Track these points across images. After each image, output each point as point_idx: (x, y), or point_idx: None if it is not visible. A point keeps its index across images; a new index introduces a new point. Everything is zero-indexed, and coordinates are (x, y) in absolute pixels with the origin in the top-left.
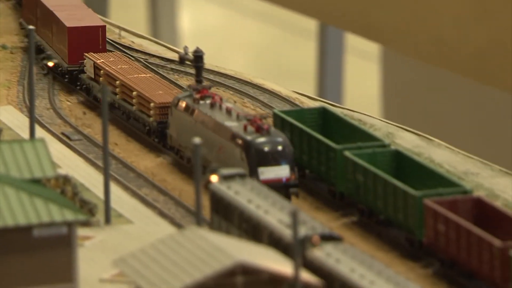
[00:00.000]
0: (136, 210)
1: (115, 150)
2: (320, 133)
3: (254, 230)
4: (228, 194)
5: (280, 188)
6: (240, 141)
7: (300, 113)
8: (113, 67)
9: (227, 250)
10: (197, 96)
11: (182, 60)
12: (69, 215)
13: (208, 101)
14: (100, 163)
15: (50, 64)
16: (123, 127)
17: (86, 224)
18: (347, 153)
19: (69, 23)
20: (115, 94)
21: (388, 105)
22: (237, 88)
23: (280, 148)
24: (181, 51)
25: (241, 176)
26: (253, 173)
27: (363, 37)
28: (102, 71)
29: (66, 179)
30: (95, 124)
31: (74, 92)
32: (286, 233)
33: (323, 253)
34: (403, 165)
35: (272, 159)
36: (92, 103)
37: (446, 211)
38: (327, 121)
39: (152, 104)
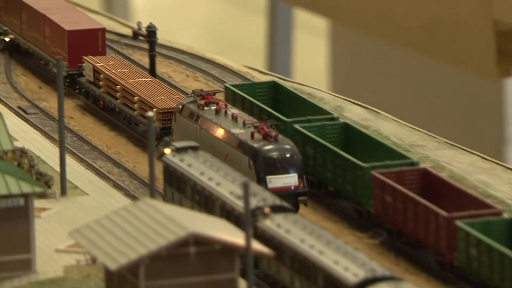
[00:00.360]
0: (91, 182)
1: (70, 123)
2: (270, 107)
3: (206, 202)
4: (181, 166)
5: (289, 196)
6: (247, 149)
7: (251, 87)
8: (113, 71)
9: (180, 221)
10: (201, 102)
11: (135, 35)
12: (26, 187)
13: (212, 107)
14: (55, 136)
15: (7, 39)
16: (78, 101)
17: (42, 196)
18: (297, 126)
19: (67, 26)
20: (116, 98)
21: (337, 79)
22: (190, 62)
23: (288, 156)
24: (135, 26)
25: (194, 148)
26: (261, 182)
27: (311, 13)
28: (102, 75)
29: (22, 152)
30: (51, 98)
31: (29, 68)
32: (238, 204)
33: (274, 224)
34: (352, 137)
35: (281, 167)
36: (48, 77)
37: (393, 182)
38: (278, 94)
39: (155, 110)
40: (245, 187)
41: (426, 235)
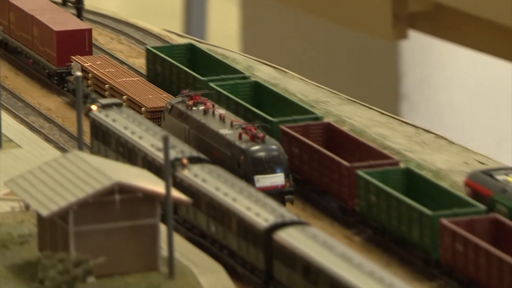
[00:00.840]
0: (24, 136)
1: (5, 82)
2: (188, 67)
3: (129, 153)
4: (107, 121)
5: (276, 195)
6: (235, 150)
7: (170, 49)
8: (101, 71)
9: (106, 171)
10: (190, 102)
11: (64, 2)
12: None
13: (201, 107)
14: None
15: None
16: (12, 62)
17: None
18: (212, 84)
19: (56, 27)
20: (104, 97)
21: (247, 41)
22: (114, 26)
23: (275, 156)
24: None
25: (118, 105)
26: (249, 181)
27: None
28: (90, 74)
29: None
30: None
31: None
32: (158, 156)
33: (191, 174)
34: (262, 95)
35: (268, 167)
36: None
37: (300, 135)
38: (194, 56)
39: (143, 109)
40: (165, 140)
41: (330, 183)
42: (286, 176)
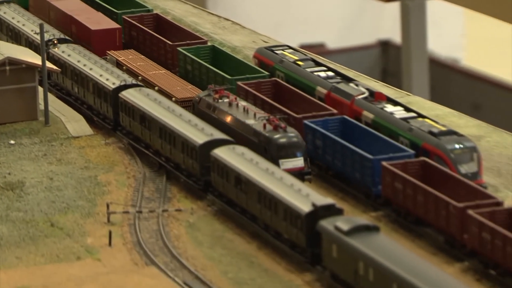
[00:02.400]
0: None
1: None
2: None
3: (16, 36)
4: (0, 14)
5: (297, 175)
6: (262, 138)
7: None
8: (134, 64)
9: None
10: (216, 95)
11: None
12: None
13: (225, 100)
14: None
15: None
16: None
17: None
18: None
19: (92, 26)
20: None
21: None
22: None
23: (295, 142)
24: None
25: (7, 2)
26: (275, 164)
27: None
28: (124, 67)
29: None
30: None
31: None
32: (36, 38)
33: (60, 51)
34: None
35: (290, 152)
36: None
37: (137, 22)
38: None
39: (173, 99)
40: (41, 27)
41: (158, 57)
42: (305, 160)
